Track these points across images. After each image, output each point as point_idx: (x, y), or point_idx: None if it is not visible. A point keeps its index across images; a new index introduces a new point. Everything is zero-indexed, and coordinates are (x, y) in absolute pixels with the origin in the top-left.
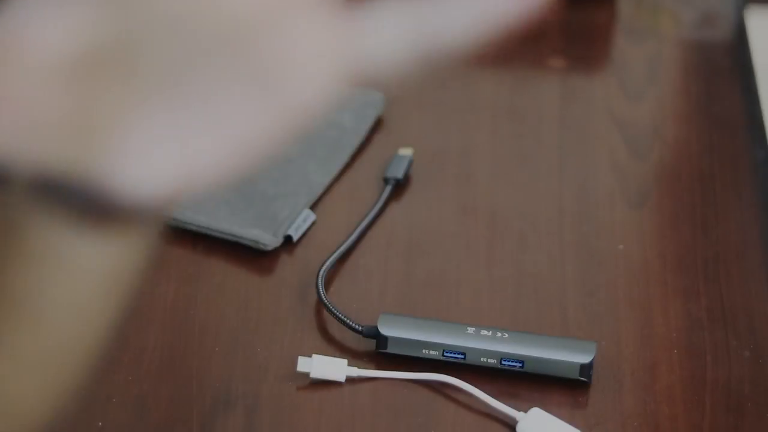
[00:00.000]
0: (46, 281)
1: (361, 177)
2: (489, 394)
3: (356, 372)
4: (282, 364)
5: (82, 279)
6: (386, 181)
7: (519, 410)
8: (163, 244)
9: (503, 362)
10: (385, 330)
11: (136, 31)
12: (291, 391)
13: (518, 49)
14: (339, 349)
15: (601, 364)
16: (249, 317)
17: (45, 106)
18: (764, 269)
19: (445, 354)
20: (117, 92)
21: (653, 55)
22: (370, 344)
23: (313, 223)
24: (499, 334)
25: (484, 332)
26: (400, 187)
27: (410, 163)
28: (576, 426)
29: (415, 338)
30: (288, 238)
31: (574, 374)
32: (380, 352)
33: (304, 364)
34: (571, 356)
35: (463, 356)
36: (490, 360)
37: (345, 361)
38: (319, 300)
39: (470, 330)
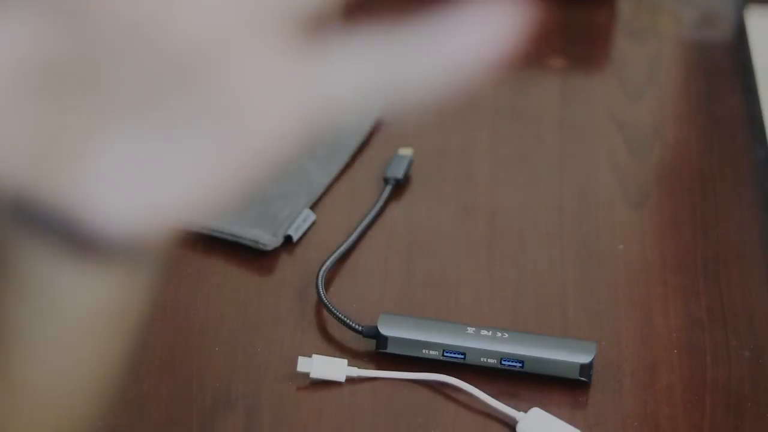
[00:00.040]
0: (34, 315)
1: (361, 177)
2: (489, 394)
3: (356, 372)
4: (282, 364)
5: (72, 316)
6: (386, 181)
7: (519, 410)
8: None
9: (503, 362)
10: (385, 330)
11: (93, 46)
12: (291, 391)
13: (518, 49)
14: (339, 349)
15: (601, 364)
16: (249, 317)
17: (3, 125)
18: (764, 269)
19: (445, 354)
20: (76, 112)
21: (653, 55)
22: (370, 344)
23: (313, 223)
24: (499, 334)
25: (484, 332)
26: (400, 187)
27: (410, 163)
28: (576, 426)
29: (415, 338)
30: (288, 238)
31: (574, 374)
32: (380, 352)
33: (304, 364)
34: (571, 356)
35: (463, 356)
36: (490, 360)
37: (345, 361)
38: (319, 300)
39: (470, 330)
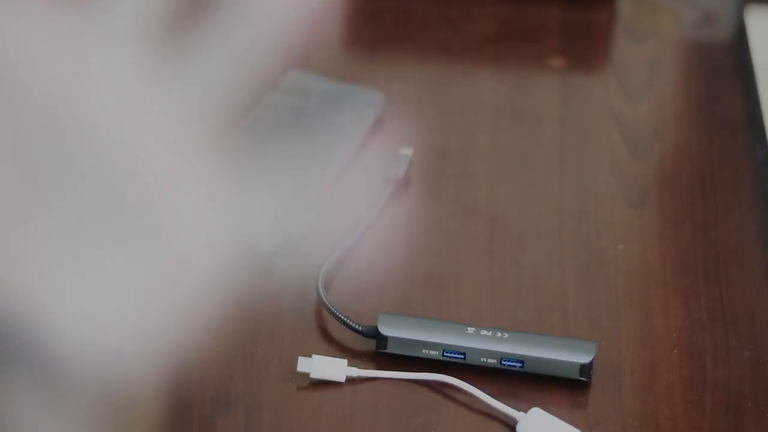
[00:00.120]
0: None
1: (361, 177)
2: (489, 394)
3: (356, 372)
4: (282, 364)
5: None
6: (386, 181)
7: (519, 410)
8: None
9: (503, 362)
10: (385, 330)
11: (17, 141)
12: (291, 391)
13: (518, 49)
14: (339, 349)
15: (601, 364)
16: (249, 317)
17: None
18: (764, 269)
19: (445, 354)
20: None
21: (653, 55)
22: (370, 344)
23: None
24: (499, 334)
25: (484, 332)
26: (400, 187)
27: (410, 163)
28: (576, 426)
29: (415, 338)
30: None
31: (574, 374)
32: (380, 352)
33: (304, 364)
34: (571, 356)
35: (463, 356)
36: (490, 360)
37: (345, 361)
38: (319, 300)
39: (470, 330)
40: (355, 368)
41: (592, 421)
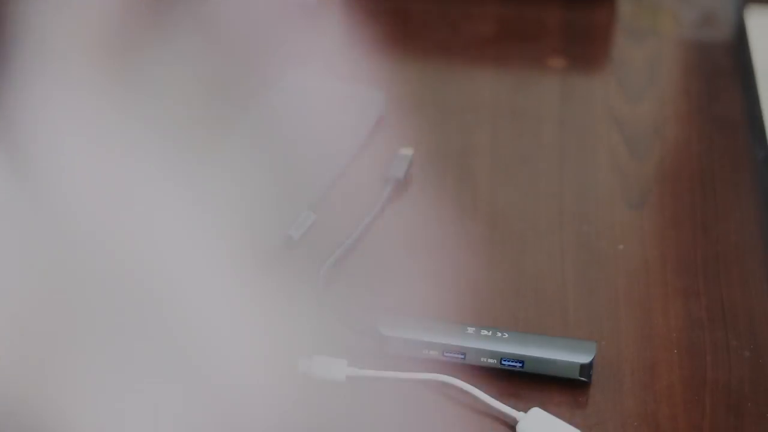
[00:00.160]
0: None
1: (361, 177)
2: (489, 394)
3: (356, 372)
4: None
5: None
6: (386, 181)
7: (519, 410)
8: None
9: (503, 362)
10: (385, 330)
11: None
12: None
13: (518, 49)
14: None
15: (601, 364)
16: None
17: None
18: (764, 269)
19: (445, 354)
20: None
21: (653, 55)
22: (370, 344)
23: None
24: (499, 334)
25: (484, 332)
26: (400, 187)
27: (410, 163)
28: (576, 426)
29: (415, 338)
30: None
31: (574, 374)
32: (380, 352)
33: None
34: (571, 356)
35: (463, 356)
36: (490, 360)
37: (345, 361)
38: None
39: (470, 330)
40: (355, 368)
41: (592, 421)
